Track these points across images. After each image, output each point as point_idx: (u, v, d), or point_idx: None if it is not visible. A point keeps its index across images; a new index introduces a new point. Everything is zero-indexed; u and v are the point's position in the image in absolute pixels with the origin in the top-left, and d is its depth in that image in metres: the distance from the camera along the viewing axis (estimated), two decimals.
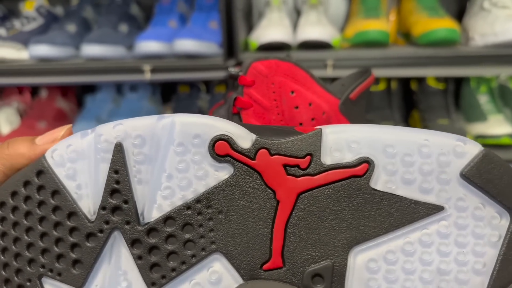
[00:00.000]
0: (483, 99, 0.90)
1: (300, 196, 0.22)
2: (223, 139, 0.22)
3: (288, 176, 0.22)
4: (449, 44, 0.80)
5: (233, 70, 0.32)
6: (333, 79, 0.76)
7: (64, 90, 1.03)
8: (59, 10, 1.03)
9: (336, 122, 0.33)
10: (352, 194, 0.22)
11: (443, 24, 0.80)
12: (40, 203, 0.22)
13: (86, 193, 0.22)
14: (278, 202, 0.22)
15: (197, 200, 0.22)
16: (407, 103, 0.97)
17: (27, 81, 0.88)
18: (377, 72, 0.80)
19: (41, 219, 0.22)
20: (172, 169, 0.22)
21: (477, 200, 0.21)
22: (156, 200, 0.22)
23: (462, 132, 0.83)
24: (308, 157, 0.22)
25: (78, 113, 1.02)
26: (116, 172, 0.22)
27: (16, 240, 0.23)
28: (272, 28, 0.83)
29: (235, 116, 0.32)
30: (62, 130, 0.24)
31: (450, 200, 0.21)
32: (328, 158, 0.22)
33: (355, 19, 0.89)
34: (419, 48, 0.82)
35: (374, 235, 0.22)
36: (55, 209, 0.22)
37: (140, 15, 1.01)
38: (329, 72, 0.80)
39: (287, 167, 0.22)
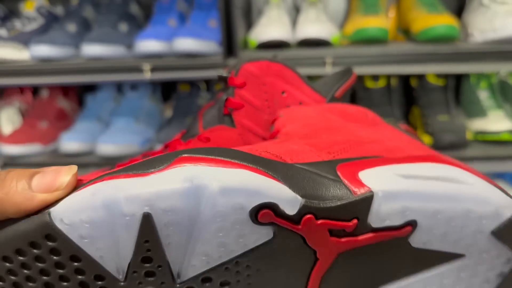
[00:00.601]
0: (483, 95, 0.90)
1: (340, 254, 0.22)
2: (268, 207, 0.20)
3: (331, 238, 0.21)
4: (448, 41, 0.80)
5: (222, 72, 0.32)
6: None
7: (65, 89, 1.04)
8: (59, 10, 1.03)
9: None
10: (390, 250, 0.22)
11: (442, 21, 0.79)
12: (58, 264, 0.19)
13: (111, 257, 0.19)
14: (317, 259, 0.22)
15: (236, 262, 0.21)
16: (407, 100, 0.97)
17: (28, 81, 0.89)
18: (377, 69, 0.81)
19: (62, 277, 0.20)
20: (209, 235, 0.20)
21: (504, 255, 0.22)
22: (191, 263, 0.20)
23: (462, 128, 0.83)
24: (355, 220, 0.21)
25: (79, 112, 1.03)
26: (146, 241, 0.19)
27: None
28: (271, 26, 0.83)
29: (226, 116, 0.32)
30: (66, 175, 0.19)
31: (474, 252, 0.22)
32: (375, 222, 0.21)
33: (354, 16, 0.88)
34: (418, 45, 0.81)
35: (398, 277, 0.22)
36: (78, 271, 0.20)
37: (140, 14, 1.02)
38: (328, 70, 0.80)
39: (332, 230, 0.21)
